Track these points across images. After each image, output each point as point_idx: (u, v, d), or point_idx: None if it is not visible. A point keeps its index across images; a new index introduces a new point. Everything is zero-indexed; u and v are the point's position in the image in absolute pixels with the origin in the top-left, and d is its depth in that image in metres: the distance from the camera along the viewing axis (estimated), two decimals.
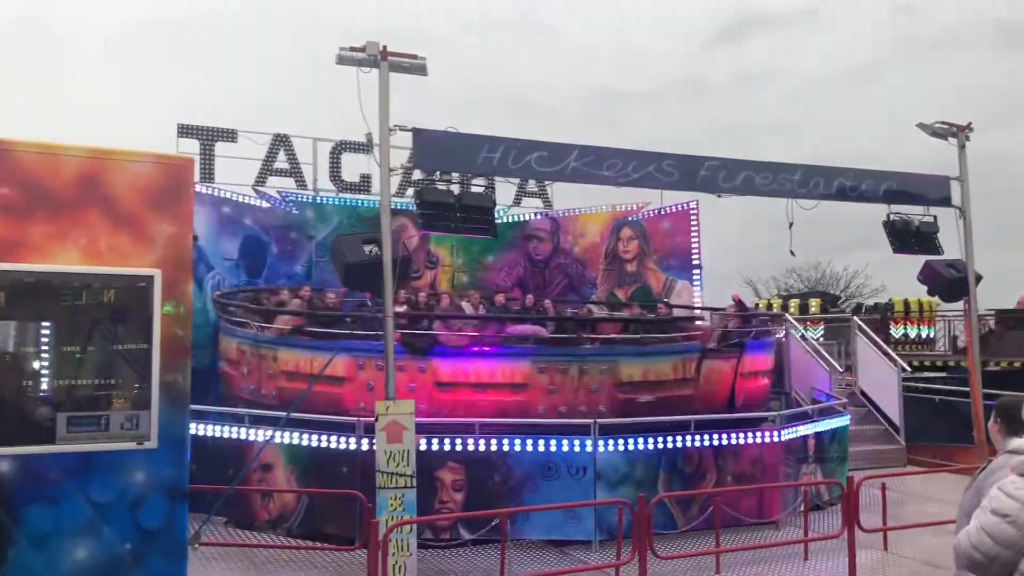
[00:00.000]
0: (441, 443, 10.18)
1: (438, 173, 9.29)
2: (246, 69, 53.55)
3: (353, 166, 18.79)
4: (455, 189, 9.42)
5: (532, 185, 20.54)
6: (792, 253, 11.24)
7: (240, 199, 17.35)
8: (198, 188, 16.87)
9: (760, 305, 27.99)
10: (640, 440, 10.55)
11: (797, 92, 60.69)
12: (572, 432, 10.50)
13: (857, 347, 18.06)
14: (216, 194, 17.06)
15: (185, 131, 17.59)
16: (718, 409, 12.38)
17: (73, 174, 5.99)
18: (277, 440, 10.50)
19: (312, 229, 17.84)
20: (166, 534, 6.05)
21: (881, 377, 17.14)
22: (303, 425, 10.70)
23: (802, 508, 10.68)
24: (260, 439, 10.51)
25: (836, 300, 37.67)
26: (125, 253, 6.11)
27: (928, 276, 12.27)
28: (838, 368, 16.87)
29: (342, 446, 10.32)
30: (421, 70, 9.02)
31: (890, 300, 25.50)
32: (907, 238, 11.84)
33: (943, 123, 11.95)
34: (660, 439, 10.65)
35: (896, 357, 17.32)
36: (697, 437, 10.84)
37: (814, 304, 25.96)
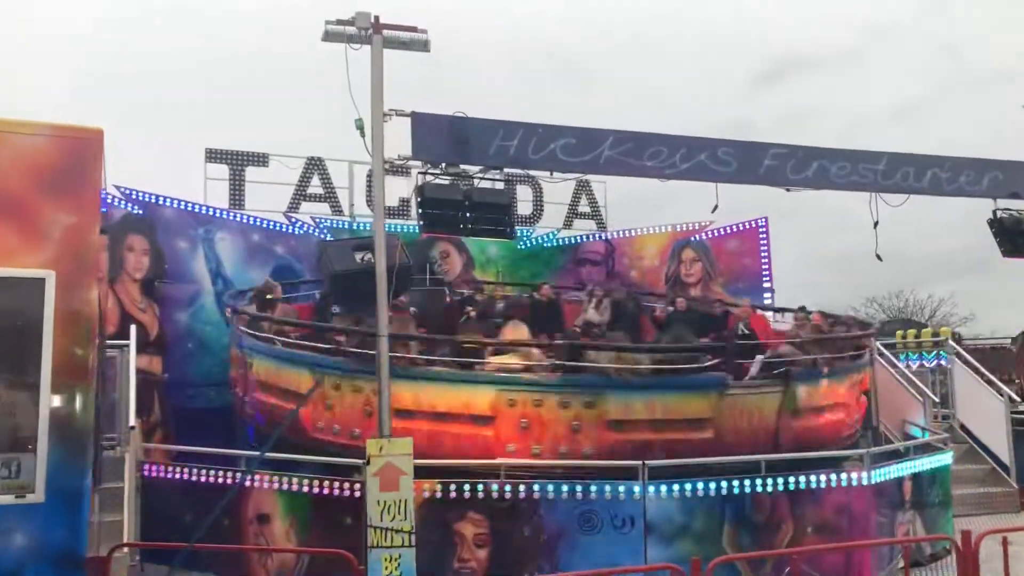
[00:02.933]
0: (460, 490, 8.60)
1: (443, 167, 7.78)
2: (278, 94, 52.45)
3: (391, 190, 17.61)
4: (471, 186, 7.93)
5: (584, 205, 19.19)
6: (878, 257, 9.42)
7: (272, 227, 16.32)
8: (227, 215, 15.96)
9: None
10: (699, 484, 8.81)
11: (845, 130, 57.65)
12: (616, 475, 8.81)
13: (955, 375, 15.90)
14: (246, 221, 16.02)
15: (214, 156, 16.83)
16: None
17: None
18: (273, 487, 9.07)
19: None
20: None
21: (984, 409, 14.99)
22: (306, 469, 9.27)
23: (901, 566, 8.79)
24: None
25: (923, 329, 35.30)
26: (7, 249, 4.78)
27: None
28: (933, 398, 14.75)
29: (346, 492, 8.81)
30: (422, 46, 7.61)
31: None
32: (1019, 238, 9.87)
33: None
34: (723, 483, 8.89)
35: (1002, 386, 15.16)
36: (769, 480, 9.03)
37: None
